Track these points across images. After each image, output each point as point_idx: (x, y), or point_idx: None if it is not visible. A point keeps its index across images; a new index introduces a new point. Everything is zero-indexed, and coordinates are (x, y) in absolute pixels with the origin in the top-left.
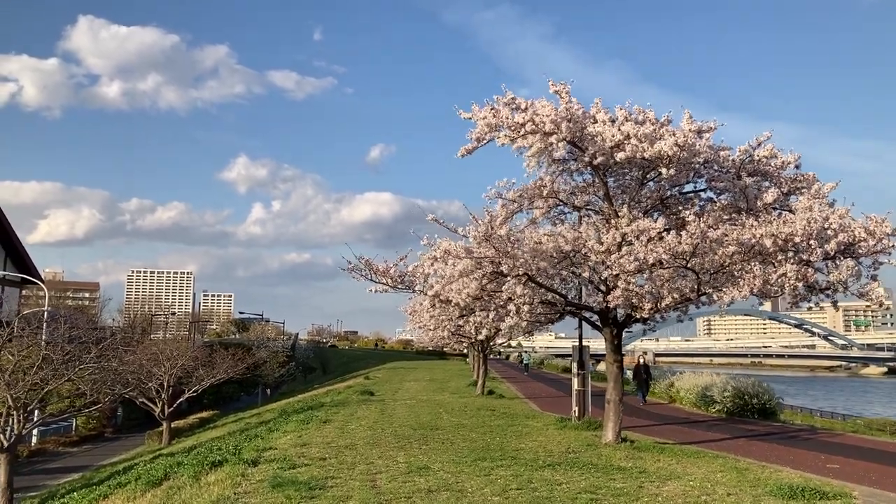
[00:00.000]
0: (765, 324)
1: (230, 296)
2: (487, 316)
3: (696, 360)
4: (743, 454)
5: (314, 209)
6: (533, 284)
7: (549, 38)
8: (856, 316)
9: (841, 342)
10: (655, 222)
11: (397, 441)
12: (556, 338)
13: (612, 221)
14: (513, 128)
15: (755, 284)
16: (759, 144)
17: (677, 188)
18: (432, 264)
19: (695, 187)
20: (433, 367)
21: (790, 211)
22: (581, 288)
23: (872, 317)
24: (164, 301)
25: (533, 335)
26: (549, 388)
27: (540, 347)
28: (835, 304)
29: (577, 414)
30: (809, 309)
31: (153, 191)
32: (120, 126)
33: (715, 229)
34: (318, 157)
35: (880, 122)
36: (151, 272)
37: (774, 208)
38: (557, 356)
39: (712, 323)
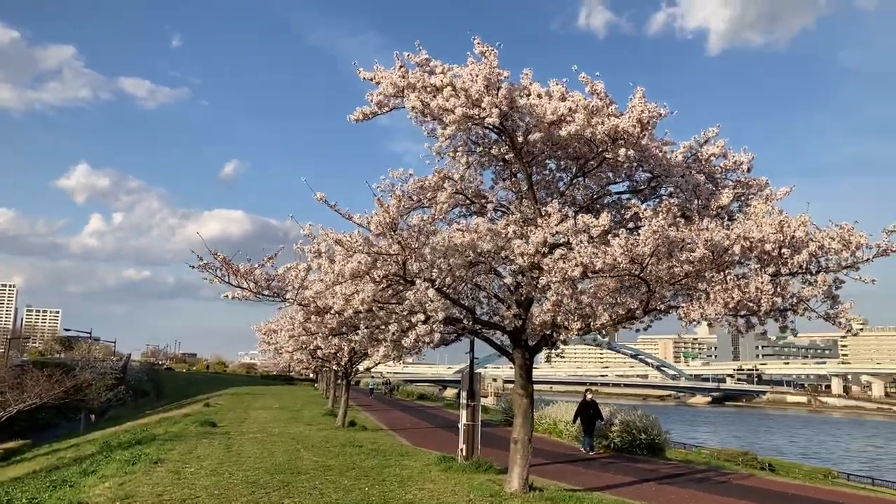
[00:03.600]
0: (602, 353)
1: (58, 312)
2: (386, 328)
3: (538, 387)
4: None
5: (158, 223)
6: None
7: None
8: (685, 348)
9: (672, 372)
10: (597, 219)
11: (251, 492)
12: (403, 364)
13: (539, 221)
14: (428, 89)
15: (732, 298)
16: (707, 140)
17: (610, 186)
18: (312, 262)
19: (628, 187)
20: (281, 394)
21: (731, 219)
22: (475, 303)
23: (699, 349)
24: None
25: (401, 360)
26: (411, 417)
27: (388, 373)
28: (788, 327)
29: (463, 453)
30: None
31: None
32: None
33: (674, 230)
34: (166, 169)
35: None
36: None
37: (722, 216)
38: (408, 382)
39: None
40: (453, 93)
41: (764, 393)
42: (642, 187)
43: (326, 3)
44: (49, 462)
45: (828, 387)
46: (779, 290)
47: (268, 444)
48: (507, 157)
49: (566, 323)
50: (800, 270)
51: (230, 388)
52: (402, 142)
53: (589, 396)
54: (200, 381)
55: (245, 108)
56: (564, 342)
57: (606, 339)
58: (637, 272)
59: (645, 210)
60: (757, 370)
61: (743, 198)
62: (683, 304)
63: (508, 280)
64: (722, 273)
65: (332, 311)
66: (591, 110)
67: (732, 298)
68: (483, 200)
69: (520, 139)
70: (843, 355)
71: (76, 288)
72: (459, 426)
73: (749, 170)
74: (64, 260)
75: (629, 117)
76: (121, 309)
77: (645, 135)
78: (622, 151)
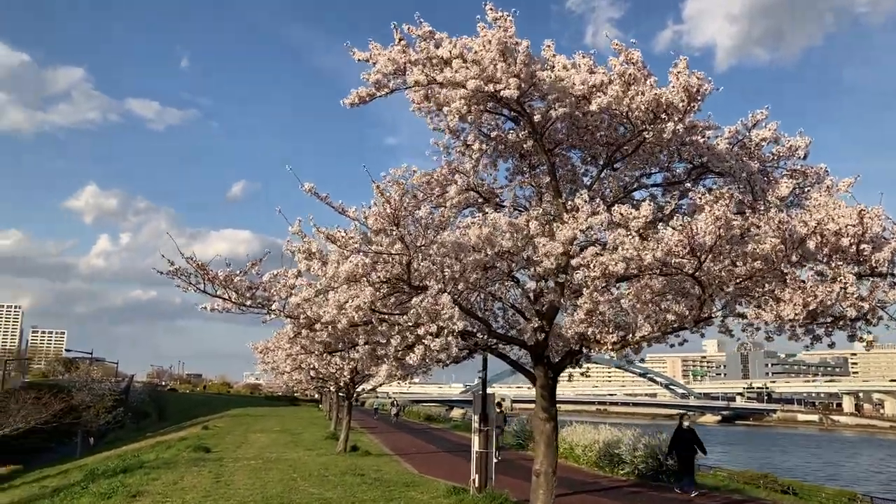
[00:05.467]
0: (610, 372)
1: (63, 333)
2: (388, 343)
3: None
4: None
5: (166, 243)
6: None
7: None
8: (693, 366)
9: (681, 391)
10: (637, 210)
11: None
12: (409, 383)
13: (565, 216)
14: (434, 61)
15: (814, 297)
16: (756, 124)
17: (644, 176)
18: (301, 265)
19: (665, 179)
20: (284, 415)
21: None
22: (489, 315)
23: (707, 367)
24: None
25: (408, 380)
26: (417, 440)
27: (393, 393)
28: (860, 339)
29: (476, 484)
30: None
31: None
32: None
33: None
34: (175, 190)
35: None
36: None
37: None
38: (414, 402)
39: None
40: (463, 64)
41: (774, 411)
42: (682, 179)
43: (331, 26)
44: (31, 491)
45: (839, 405)
46: (866, 292)
47: (262, 473)
48: (524, 146)
49: (599, 336)
50: (885, 271)
51: (232, 409)
52: (409, 160)
53: (686, 424)
54: (203, 402)
55: (256, 128)
56: (588, 359)
57: (637, 355)
58: (693, 269)
59: (703, 196)
60: (767, 388)
61: (798, 189)
62: (748, 309)
63: (531, 285)
64: (795, 269)
65: (322, 322)
66: (628, 79)
67: (814, 298)
68: (498, 199)
69: (538, 118)
70: (854, 373)
71: (83, 309)
72: (472, 453)
73: (805, 157)
74: (72, 280)
75: (674, 86)
76: (127, 330)
77: (693, 108)
78: (669, 126)
